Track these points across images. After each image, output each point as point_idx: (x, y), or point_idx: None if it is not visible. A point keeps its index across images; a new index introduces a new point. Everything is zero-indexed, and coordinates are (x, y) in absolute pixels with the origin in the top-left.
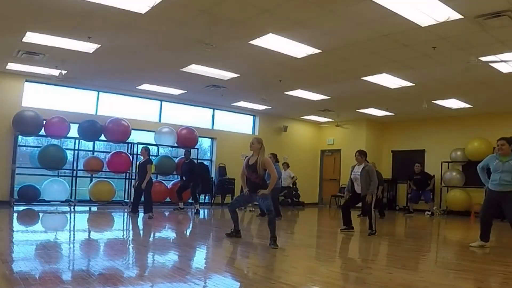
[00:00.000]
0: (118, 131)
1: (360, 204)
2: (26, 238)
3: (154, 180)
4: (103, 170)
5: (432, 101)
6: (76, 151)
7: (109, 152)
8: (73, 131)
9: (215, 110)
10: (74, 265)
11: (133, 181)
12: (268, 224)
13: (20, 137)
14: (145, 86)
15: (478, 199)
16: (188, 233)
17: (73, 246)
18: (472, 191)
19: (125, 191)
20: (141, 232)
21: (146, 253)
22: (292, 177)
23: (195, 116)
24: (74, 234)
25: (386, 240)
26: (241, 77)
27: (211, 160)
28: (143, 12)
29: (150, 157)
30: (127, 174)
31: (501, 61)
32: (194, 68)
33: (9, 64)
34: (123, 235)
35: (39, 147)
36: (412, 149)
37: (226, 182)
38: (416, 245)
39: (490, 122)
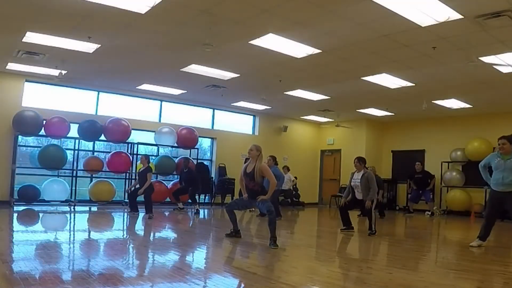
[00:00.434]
0: (118, 131)
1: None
2: (26, 238)
3: (154, 180)
4: (103, 170)
5: (432, 101)
6: (76, 151)
7: (109, 152)
8: (73, 131)
9: (215, 110)
10: (74, 265)
11: (133, 181)
12: (268, 224)
13: (20, 137)
14: (145, 86)
15: (478, 199)
16: (188, 233)
17: (73, 246)
18: (472, 191)
19: (125, 191)
20: (141, 232)
21: (146, 253)
22: (292, 180)
23: (195, 116)
24: (74, 234)
25: (386, 240)
26: (241, 77)
27: (211, 160)
28: (143, 12)
29: (150, 157)
30: (127, 174)
31: (508, 65)
32: (194, 68)
33: (9, 64)
34: (123, 235)
35: (39, 147)
36: (412, 149)
37: (226, 182)
38: (416, 245)
39: (490, 122)
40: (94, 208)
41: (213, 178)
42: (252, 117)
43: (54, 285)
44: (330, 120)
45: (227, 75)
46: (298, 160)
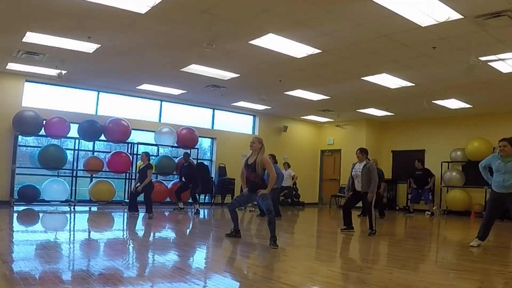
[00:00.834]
0: (118, 131)
1: (360, 204)
2: (26, 238)
3: (154, 180)
4: (103, 170)
5: (432, 101)
6: (76, 151)
7: (109, 152)
8: (73, 131)
9: (215, 110)
10: (74, 265)
11: (133, 181)
12: (268, 224)
13: (20, 137)
14: (145, 86)
15: (478, 199)
16: (188, 233)
17: (73, 246)
18: (472, 191)
19: (125, 191)
20: (141, 232)
21: (146, 253)
22: (292, 176)
23: (195, 116)
24: (74, 234)
25: (386, 240)
26: (241, 77)
27: (211, 160)
28: (143, 12)
29: (151, 157)
30: (127, 174)
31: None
32: (194, 68)
33: (9, 64)
34: (123, 235)
35: (39, 147)
36: (412, 149)
37: (226, 182)
38: (416, 245)
39: (490, 122)
40: (94, 208)
41: (213, 178)
42: (252, 117)
43: (54, 285)
44: (330, 120)
45: (227, 75)
46: (298, 160)
